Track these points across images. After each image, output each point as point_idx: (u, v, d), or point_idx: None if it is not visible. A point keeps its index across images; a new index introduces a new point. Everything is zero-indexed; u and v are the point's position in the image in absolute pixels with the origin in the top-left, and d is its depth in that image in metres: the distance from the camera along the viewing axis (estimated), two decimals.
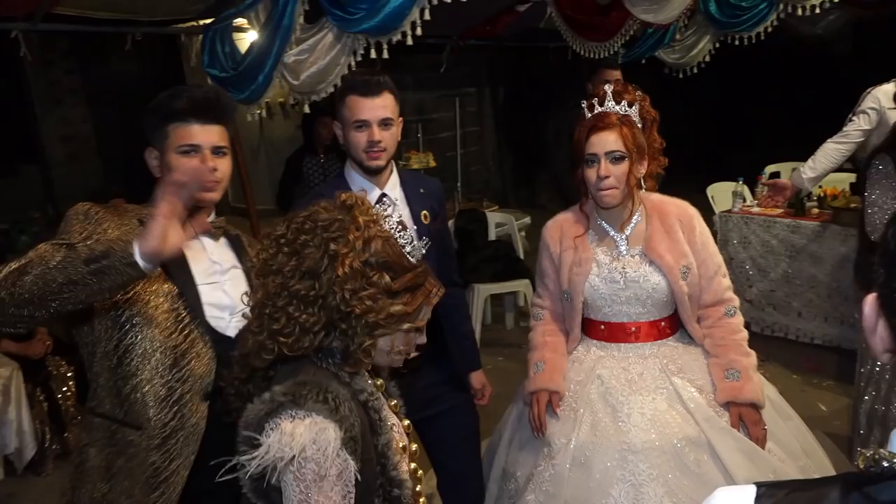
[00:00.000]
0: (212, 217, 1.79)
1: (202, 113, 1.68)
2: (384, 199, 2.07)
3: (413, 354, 1.42)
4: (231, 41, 3.44)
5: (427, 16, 3.04)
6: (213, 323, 1.69)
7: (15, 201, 6.00)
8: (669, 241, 2.05)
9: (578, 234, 2.13)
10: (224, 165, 1.73)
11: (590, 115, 2.04)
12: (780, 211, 4.53)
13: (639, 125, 2.01)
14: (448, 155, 7.20)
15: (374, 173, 2.09)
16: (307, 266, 1.24)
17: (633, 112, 2.01)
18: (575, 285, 2.09)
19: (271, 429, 1.15)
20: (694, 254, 2.06)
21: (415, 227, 2.09)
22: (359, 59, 3.27)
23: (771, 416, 2.04)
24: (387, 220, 1.34)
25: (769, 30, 5.05)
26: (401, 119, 2.12)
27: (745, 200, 4.87)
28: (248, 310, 1.34)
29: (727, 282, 2.13)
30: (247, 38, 3.76)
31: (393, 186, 2.14)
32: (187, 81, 6.77)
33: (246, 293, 1.39)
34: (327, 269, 1.24)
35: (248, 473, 1.14)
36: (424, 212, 2.16)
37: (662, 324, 2.11)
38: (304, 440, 1.13)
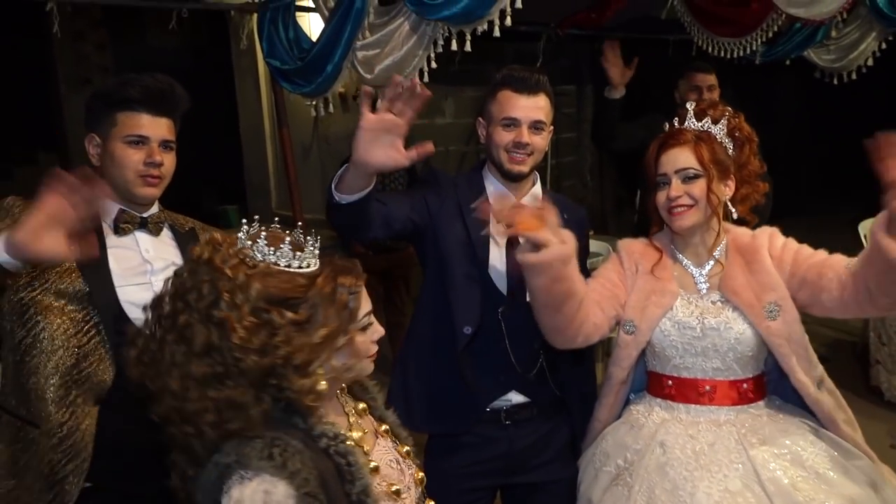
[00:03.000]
0: (154, 210, 2.01)
1: (155, 104, 1.91)
2: None
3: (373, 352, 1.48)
4: (294, 24, 3.57)
5: (519, 3, 3.04)
6: (140, 325, 1.83)
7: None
8: (748, 274, 2.06)
9: (655, 262, 2.14)
10: (169, 161, 1.97)
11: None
12: None
13: (726, 144, 2.10)
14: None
15: (514, 179, 2.16)
16: (199, 345, 1.31)
17: (718, 129, 2.10)
18: (650, 317, 2.08)
19: (224, 493, 1.26)
20: (792, 266, 2.03)
21: None
22: (439, 50, 3.32)
23: None
24: (258, 239, 1.38)
25: None
26: (552, 127, 2.20)
27: None
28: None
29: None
30: (309, 17, 3.86)
31: (532, 199, 2.20)
32: (234, 63, 7.04)
33: None
34: (223, 339, 1.31)
35: None
36: None
37: (744, 385, 2.07)
38: None
